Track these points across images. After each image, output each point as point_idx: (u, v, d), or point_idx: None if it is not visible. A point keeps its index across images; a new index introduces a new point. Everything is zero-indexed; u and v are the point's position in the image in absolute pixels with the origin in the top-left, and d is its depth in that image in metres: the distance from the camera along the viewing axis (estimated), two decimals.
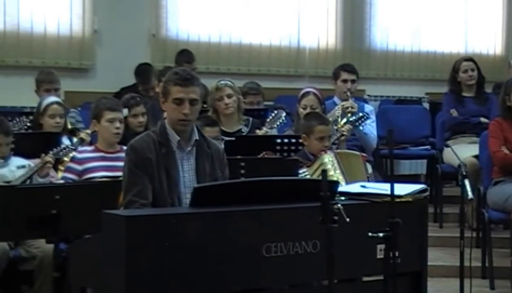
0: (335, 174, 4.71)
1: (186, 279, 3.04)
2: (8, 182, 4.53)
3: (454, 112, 6.71)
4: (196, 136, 3.79)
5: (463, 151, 5.97)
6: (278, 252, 3.20)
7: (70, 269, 3.47)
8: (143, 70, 7.09)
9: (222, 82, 5.56)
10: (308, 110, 5.56)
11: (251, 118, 5.67)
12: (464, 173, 4.44)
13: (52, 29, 7.34)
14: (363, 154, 5.22)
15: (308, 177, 4.69)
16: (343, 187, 3.76)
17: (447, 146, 6.17)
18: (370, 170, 5.02)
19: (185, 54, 7.31)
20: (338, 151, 5.07)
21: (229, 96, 5.49)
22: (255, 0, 8.24)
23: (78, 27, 7.47)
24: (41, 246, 4.34)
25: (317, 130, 4.97)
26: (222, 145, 4.52)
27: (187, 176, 3.73)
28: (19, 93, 6.80)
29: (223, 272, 3.11)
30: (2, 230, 3.95)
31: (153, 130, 3.84)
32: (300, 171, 4.71)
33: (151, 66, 7.11)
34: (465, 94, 6.78)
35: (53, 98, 5.55)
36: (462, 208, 4.43)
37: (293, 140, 5.16)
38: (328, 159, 4.79)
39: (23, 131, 5.35)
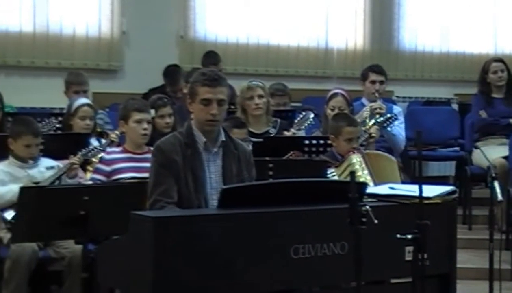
0: (363, 174, 4.68)
1: (213, 280, 3.04)
2: (37, 183, 4.57)
3: (483, 114, 6.66)
4: (222, 137, 3.79)
5: (492, 152, 5.92)
6: (306, 253, 3.20)
7: (98, 270, 3.49)
8: (171, 72, 7.11)
9: (254, 82, 5.58)
10: (336, 111, 5.54)
11: (279, 120, 5.67)
12: (493, 175, 4.41)
13: (81, 31, 7.40)
14: (398, 161, 5.17)
15: (336, 177, 4.68)
16: (371, 189, 3.74)
17: (476, 147, 6.13)
18: (402, 177, 4.98)
19: (211, 56, 7.31)
20: (367, 151, 5.04)
21: (260, 97, 5.51)
22: (283, 1, 8.23)
23: (107, 28, 7.52)
24: (70, 247, 4.37)
25: (345, 131, 4.95)
26: (250, 147, 4.52)
27: (213, 177, 3.74)
28: (48, 94, 6.86)
29: (250, 274, 3.11)
30: (31, 231, 3.98)
31: (180, 131, 3.85)
32: (328, 171, 4.70)
33: (180, 67, 7.13)
34: (494, 95, 6.73)
35: (84, 100, 5.59)
36: (491, 210, 4.39)
37: (321, 141, 5.14)
38: (356, 159, 4.77)
39: (52, 132, 5.38)
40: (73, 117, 5.41)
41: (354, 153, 4.83)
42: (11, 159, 4.69)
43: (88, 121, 5.39)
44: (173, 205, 3.59)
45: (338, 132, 4.97)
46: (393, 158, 5.04)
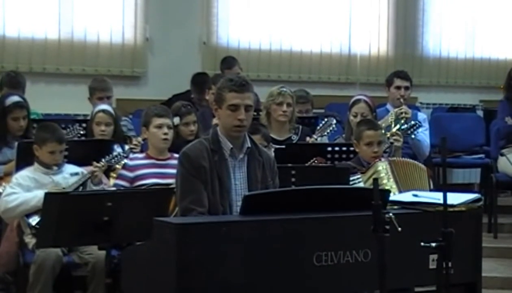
0: (388, 182, 4.67)
1: (236, 287, 3.05)
2: (62, 189, 4.61)
3: (509, 120, 6.61)
4: (248, 144, 3.80)
5: None
6: (329, 261, 3.19)
7: (122, 276, 3.51)
8: (200, 79, 7.01)
9: (285, 89, 5.61)
10: (359, 118, 5.53)
11: (300, 126, 5.68)
12: None
13: (105, 38, 7.45)
14: (429, 169, 5.14)
15: (362, 183, 4.67)
16: (395, 196, 3.73)
17: (502, 155, 6.09)
18: (431, 186, 4.95)
19: (226, 61, 7.25)
20: (395, 159, 5.01)
21: (288, 105, 5.53)
22: (306, 7, 8.23)
23: (130, 35, 7.56)
24: (94, 252, 4.40)
25: (365, 135, 4.96)
26: (272, 153, 4.53)
27: (238, 184, 3.74)
28: (73, 101, 6.91)
29: (273, 281, 3.11)
30: (56, 236, 4.01)
31: (205, 137, 3.85)
32: (355, 177, 4.69)
33: (208, 75, 7.07)
34: None
35: (102, 106, 5.64)
36: None
37: (344, 148, 5.14)
38: (382, 166, 4.76)
39: (76, 139, 5.43)
40: (92, 123, 5.47)
41: (380, 160, 4.81)
42: (36, 165, 4.73)
43: (103, 127, 5.42)
44: (206, 214, 3.59)
45: (359, 137, 4.98)
46: (423, 166, 5.00)
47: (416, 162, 5.10)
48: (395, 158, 5.07)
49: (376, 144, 4.94)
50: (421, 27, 8.73)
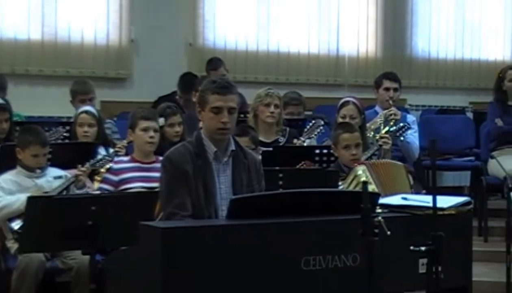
0: (370, 185, 4.66)
1: (222, 292, 3.04)
2: (45, 193, 4.59)
3: (499, 122, 6.63)
4: (232, 146, 3.79)
5: (509, 162, 5.90)
6: (317, 265, 3.19)
7: (107, 281, 3.50)
8: (187, 81, 6.97)
9: (273, 91, 5.63)
10: (347, 120, 5.53)
11: (288, 129, 5.68)
12: (510, 185, 4.38)
13: (89, 39, 7.42)
14: (407, 165, 5.16)
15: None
16: (384, 199, 3.73)
17: (492, 157, 6.09)
18: (411, 182, 4.97)
19: (211, 62, 7.24)
20: (373, 161, 5.02)
21: (276, 106, 5.54)
22: (293, 8, 8.23)
23: (115, 36, 7.54)
24: (78, 257, 4.38)
25: (341, 139, 4.98)
26: (260, 156, 4.52)
27: (223, 188, 3.74)
28: (56, 103, 6.88)
29: (260, 286, 3.10)
30: (39, 241, 3.99)
31: (189, 141, 3.85)
32: None
33: (196, 76, 7.04)
34: (511, 103, 6.70)
35: (84, 107, 5.65)
36: (508, 221, 4.36)
37: (332, 150, 5.14)
38: (362, 170, 4.76)
39: (59, 141, 5.41)
40: (75, 125, 5.46)
41: (358, 165, 4.83)
42: (18, 168, 4.71)
43: (86, 129, 5.43)
44: (189, 218, 3.59)
45: (336, 141, 5.01)
46: (399, 163, 5.04)
47: (393, 161, 5.12)
48: (373, 161, 5.08)
49: (353, 147, 4.96)
50: (410, 28, 8.76)
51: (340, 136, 4.99)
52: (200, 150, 3.73)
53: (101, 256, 4.26)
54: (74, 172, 4.78)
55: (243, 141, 4.61)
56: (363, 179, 4.66)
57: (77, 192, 4.70)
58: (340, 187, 4.69)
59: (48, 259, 4.50)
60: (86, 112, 5.53)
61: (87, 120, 5.47)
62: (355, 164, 4.81)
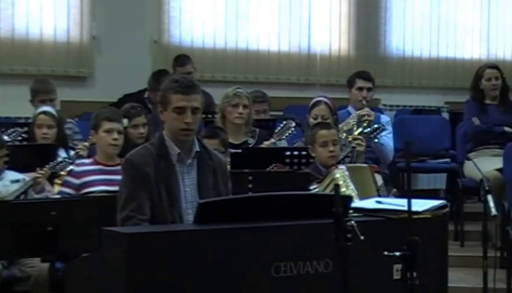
0: (347, 190, 4.70)
1: None
2: (1, 197, 4.55)
3: (476, 121, 6.69)
4: (196, 148, 3.79)
5: (485, 164, 5.95)
6: (288, 272, 3.20)
7: (67, 290, 3.48)
8: (159, 78, 6.89)
9: (241, 90, 5.62)
10: (319, 120, 5.56)
11: (258, 130, 5.69)
12: (487, 188, 4.43)
13: (49, 36, 7.37)
14: (373, 165, 5.21)
15: None
16: (357, 203, 3.75)
17: (469, 159, 6.15)
18: (380, 182, 5.00)
19: (179, 59, 7.21)
20: (350, 165, 5.06)
21: (244, 107, 5.54)
22: (263, 3, 8.25)
23: (76, 33, 7.50)
24: (36, 265, 4.35)
25: (318, 136, 5.02)
26: (228, 158, 4.53)
27: (188, 191, 3.74)
28: (14, 103, 6.83)
29: None
30: None
31: (151, 142, 3.85)
32: (311, 187, 4.71)
33: (168, 73, 6.99)
34: (488, 102, 6.77)
35: (42, 108, 5.63)
36: (485, 225, 4.42)
37: (304, 152, 5.16)
38: (340, 174, 4.80)
39: (17, 143, 5.37)
40: (34, 126, 5.43)
41: (338, 167, 4.85)
42: None
43: (45, 130, 5.41)
44: (146, 222, 3.58)
45: (313, 139, 5.05)
46: (364, 164, 5.09)
47: (361, 164, 5.16)
48: (350, 164, 5.11)
49: (331, 143, 5.00)
50: (384, 25, 8.82)
51: (317, 133, 5.03)
52: (163, 151, 3.72)
53: (61, 263, 4.24)
54: (32, 175, 4.75)
55: (213, 143, 4.62)
56: (341, 182, 4.69)
57: (36, 196, 4.67)
58: (316, 190, 4.71)
59: (5, 267, 4.46)
60: (45, 113, 5.50)
61: (46, 121, 5.44)
62: (334, 166, 4.84)
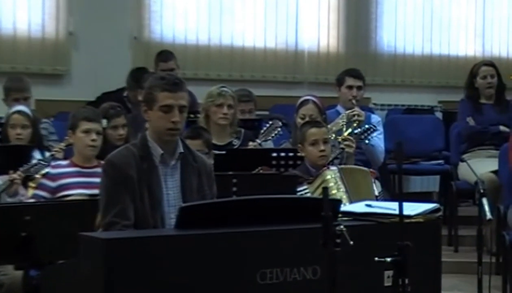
0: (338, 192, 4.71)
1: None
2: None
3: (470, 121, 6.72)
4: (180, 148, 3.79)
5: (480, 166, 5.98)
6: (274, 278, 3.20)
7: None
8: (138, 76, 6.87)
9: (226, 89, 5.60)
10: (307, 120, 5.57)
11: (243, 130, 5.69)
12: (481, 191, 4.45)
13: (23, 31, 7.35)
14: (373, 170, 5.22)
15: (309, 194, 4.70)
16: (347, 207, 3.76)
17: (463, 160, 6.18)
18: (379, 189, 5.03)
19: (162, 54, 7.18)
20: (342, 166, 5.08)
21: (229, 107, 5.53)
22: None
23: (52, 28, 7.48)
24: (9, 273, 4.34)
25: (309, 134, 5.04)
26: (212, 160, 4.53)
27: (171, 193, 3.73)
28: None
29: None
30: None
31: (133, 143, 3.84)
32: (301, 188, 4.72)
33: (148, 71, 6.97)
34: (483, 101, 6.80)
35: (16, 107, 5.61)
36: (479, 229, 4.43)
37: (291, 154, 5.17)
38: (331, 175, 4.81)
39: None
40: (7, 126, 5.42)
41: (329, 168, 4.86)
42: None
43: (19, 131, 5.39)
44: (131, 227, 3.58)
45: (303, 138, 5.06)
46: (366, 169, 5.09)
47: (362, 167, 5.17)
48: (343, 165, 5.12)
49: (321, 142, 5.02)
50: (375, 20, 8.84)
51: (307, 132, 5.05)
52: (145, 152, 3.72)
53: (36, 270, 4.22)
54: (5, 178, 4.73)
55: (196, 144, 4.61)
56: (332, 184, 4.70)
57: (9, 200, 4.65)
58: (306, 191, 4.72)
59: None
60: (19, 112, 5.48)
61: (20, 121, 5.42)
62: (325, 167, 4.85)
